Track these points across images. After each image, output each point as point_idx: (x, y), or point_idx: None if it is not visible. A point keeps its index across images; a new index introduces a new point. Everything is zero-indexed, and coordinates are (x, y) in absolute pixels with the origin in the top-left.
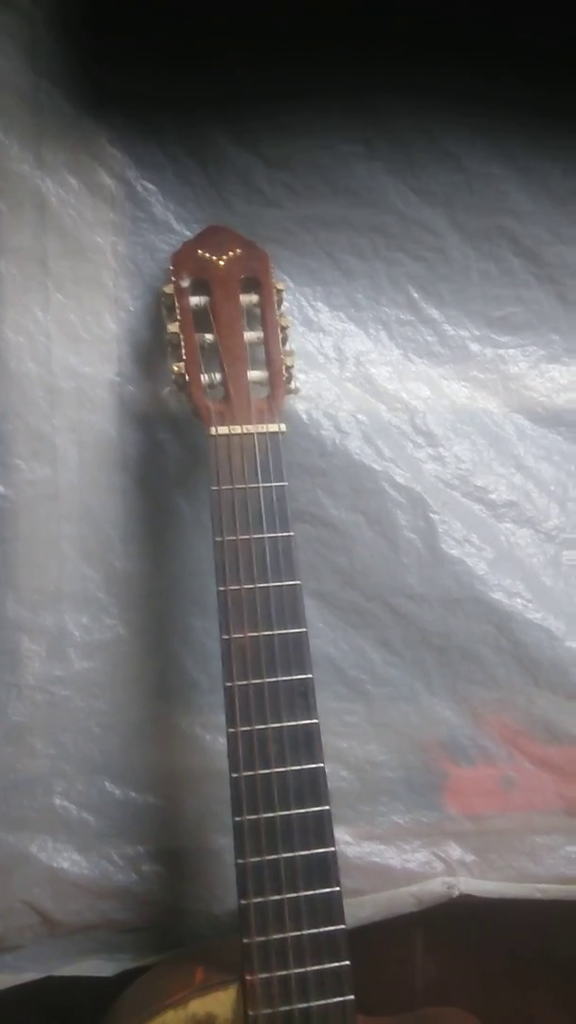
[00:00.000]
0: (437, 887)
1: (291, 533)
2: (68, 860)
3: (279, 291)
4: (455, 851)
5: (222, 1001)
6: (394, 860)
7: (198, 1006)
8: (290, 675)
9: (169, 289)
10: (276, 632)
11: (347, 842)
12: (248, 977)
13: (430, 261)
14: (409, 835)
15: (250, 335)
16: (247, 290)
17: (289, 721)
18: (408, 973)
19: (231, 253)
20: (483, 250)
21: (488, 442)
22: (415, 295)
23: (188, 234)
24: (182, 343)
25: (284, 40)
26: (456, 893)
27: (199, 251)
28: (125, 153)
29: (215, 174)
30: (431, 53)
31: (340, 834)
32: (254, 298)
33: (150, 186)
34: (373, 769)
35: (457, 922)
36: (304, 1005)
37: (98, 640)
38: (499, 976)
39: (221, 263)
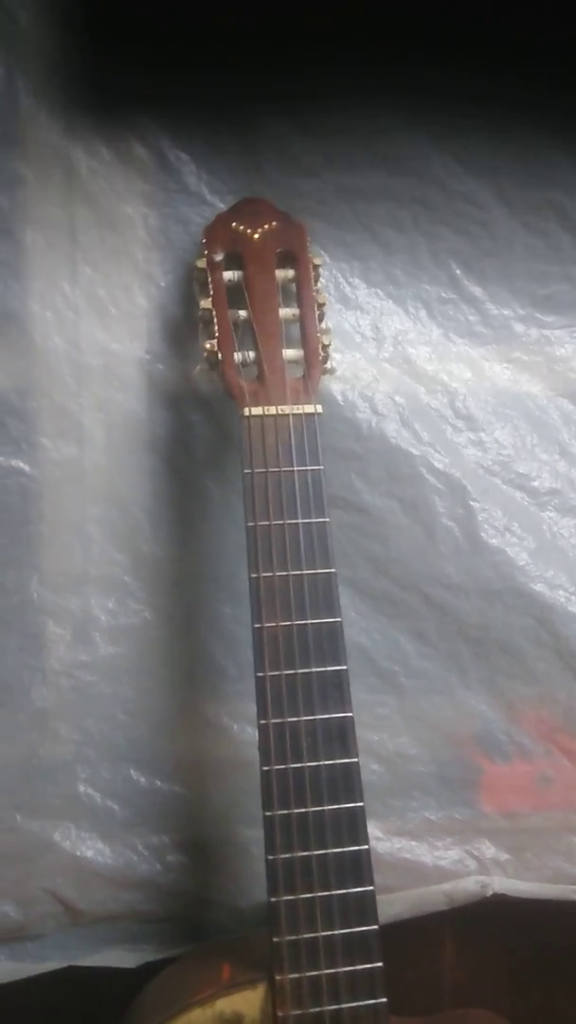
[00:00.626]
0: (470, 886)
1: (327, 519)
2: (92, 849)
3: (316, 266)
4: (489, 849)
5: (250, 1000)
6: (425, 857)
7: (225, 1004)
8: (324, 666)
9: (201, 263)
10: (310, 621)
11: (377, 837)
12: (278, 977)
13: (474, 236)
14: (441, 832)
15: (285, 312)
16: (282, 265)
17: (322, 714)
18: (436, 972)
19: (266, 226)
20: (530, 224)
21: (531, 427)
22: (457, 272)
23: (222, 206)
24: (214, 320)
25: (325, 4)
26: (490, 892)
27: (233, 224)
28: (157, 121)
29: (250, 143)
30: (478, 18)
31: (371, 829)
32: (290, 273)
33: (183, 155)
34: (405, 763)
35: (486, 921)
36: (335, 1007)
37: (124, 625)
38: (529, 976)
39: (256, 236)
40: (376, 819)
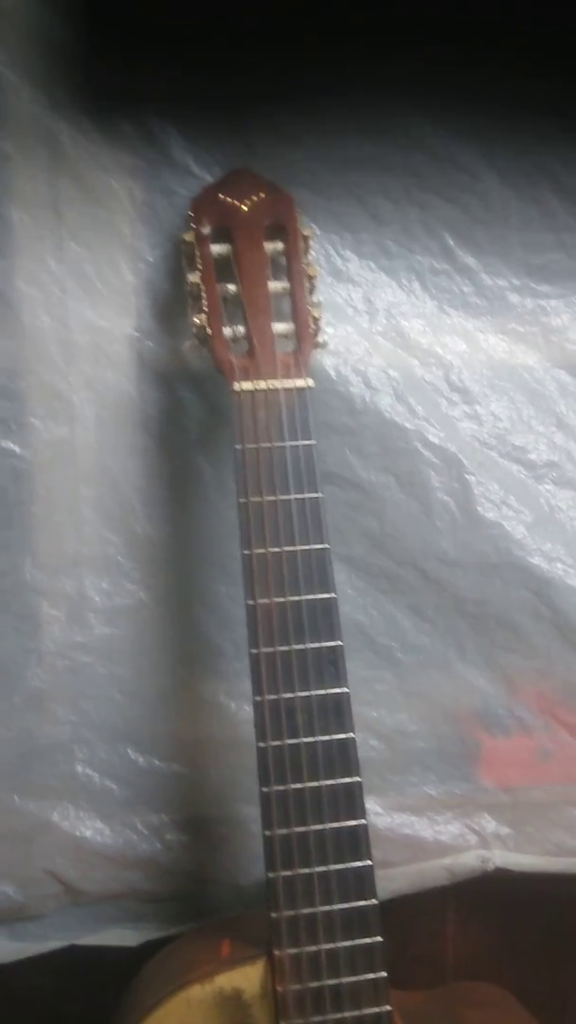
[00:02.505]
0: (471, 860)
1: (319, 494)
2: (91, 828)
3: (306, 238)
4: (489, 824)
5: (249, 976)
6: (426, 832)
7: (224, 980)
8: (319, 642)
9: (189, 237)
10: (304, 597)
11: (377, 813)
12: (276, 952)
13: (466, 204)
14: (441, 806)
15: (275, 285)
16: (272, 237)
17: (318, 690)
18: (439, 946)
19: (254, 197)
20: (523, 193)
21: (527, 399)
22: (450, 242)
23: (209, 178)
24: (203, 294)
25: None
26: (491, 867)
27: (220, 196)
28: (142, 93)
29: (236, 114)
30: None
31: (370, 805)
32: (279, 246)
33: (169, 127)
34: (404, 739)
35: (489, 895)
36: (335, 981)
37: (119, 605)
38: (532, 950)
39: (244, 208)
40: (376, 795)
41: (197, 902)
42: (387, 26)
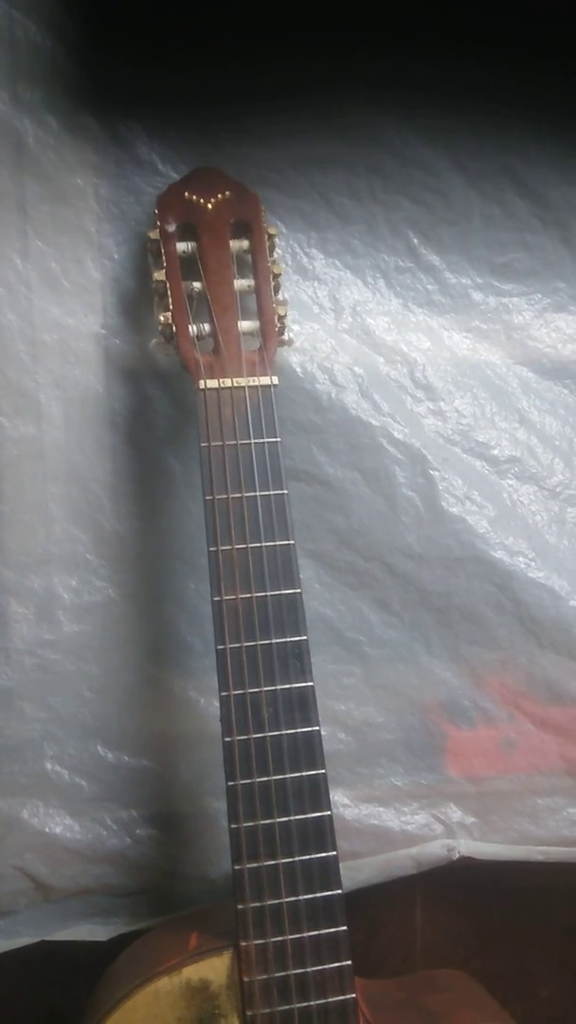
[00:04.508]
0: (437, 849)
1: (284, 491)
2: (60, 825)
3: (271, 236)
4: (455, 813)
5: (216, 967)
6: (393, 822)
7: (192, 972)
8: (284, 637)
9: (155, 234)
10: (269, 593)
11: (345, 804)
12: (243, 943)
13: (430, 204)
14: (408, 797)
15: (240, 283)
16: (237, 235)
17: (283, 684)
18: (407, 935)
19: (220, 196)
20: (486, 192)
21: (490, 395)
22: (415, 240)
23: (175, 175)
24: (168, 292)
25: None
26: (456, 855)
27: (186, 193)
28: (106, 91)
29: (202, 112)
30: None
31: (338, 796)
32: (244, 244)
33: (134, 125)
34: (371, 731)
35: (455, 884)
36: (300, 971)
37: (88, 603)
38: (498, 937)
39: (209, 206)
40: (343, 787)
41: (167, 896)
42: (353, 27)
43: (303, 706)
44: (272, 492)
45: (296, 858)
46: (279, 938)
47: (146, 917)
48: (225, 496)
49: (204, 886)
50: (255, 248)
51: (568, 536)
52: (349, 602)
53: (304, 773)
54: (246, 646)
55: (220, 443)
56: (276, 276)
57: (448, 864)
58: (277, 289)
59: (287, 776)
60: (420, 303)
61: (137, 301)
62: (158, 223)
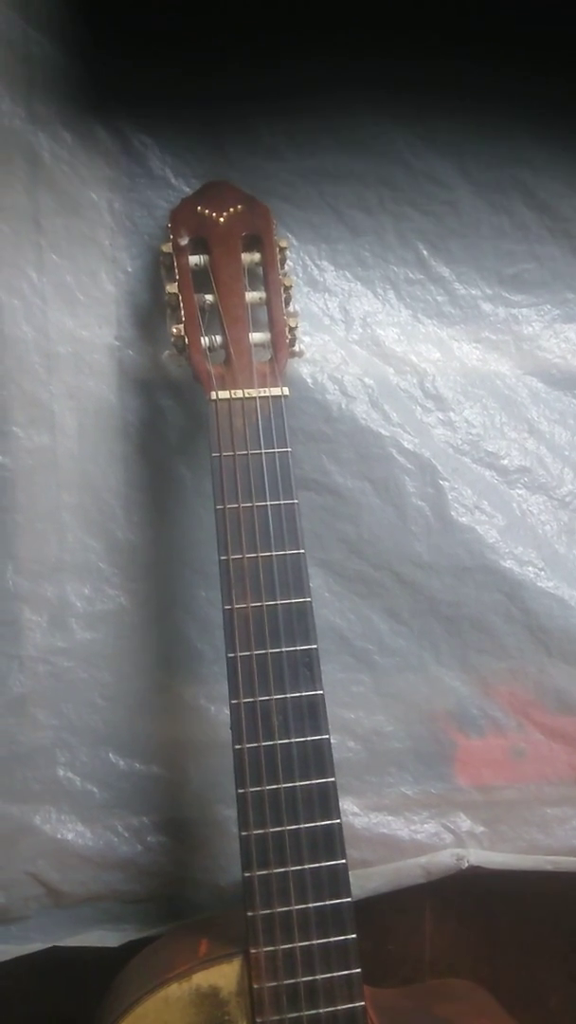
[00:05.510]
0: (446, 859)
1: (295, 501)
2: (72, 831)
3: (282, 249)
4: (464, 822)
5: (226, 974)
6: (402, 831)
7: (202, 979)
8: (294, 645)
9: (167, 248)
10: (279, 602)
11: (355, 813)
12: (253, 950)
13: (440, 215)
14: (417, 806)
15: (252, 295)
16: (249, 248)
17: (293, 692)
18: (416, 944)
19: (232, 209)
20: (495, 203)
21: (500, 406)
22: (424, 252)
23: (187, 190)
24: (181, 304)
25: None
26: (465, 865)
27: (198, 207)
28: (120, 106)
29: (214, 126)
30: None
31: (347, 805)
32: (256, 256)
33: (147, 139)
34: (380, 740)
35: (464, 893)
36: (310, 978)
37: (100, 611)
38: (507, 947)
39: (221, 220)
40: (353, 795)
41: (177, 903)
42: (363, 39)
43: (313, 714)
44: (282, 502)
45: (306, 866)
46: (289, 945)
47: (156, 923)
48: (236, 505)
49: (214, 893)
50: (266, 261)
51: None
52: (359, 611)
53: (314, 781)
54: (256, 654)
55: (231, 453)
56: (287, 288)
57: (457, 873)
58: (288, 301)
59: (297, 784)
60: (430, 314)
61: (150, 313)
62: (171, 237)
